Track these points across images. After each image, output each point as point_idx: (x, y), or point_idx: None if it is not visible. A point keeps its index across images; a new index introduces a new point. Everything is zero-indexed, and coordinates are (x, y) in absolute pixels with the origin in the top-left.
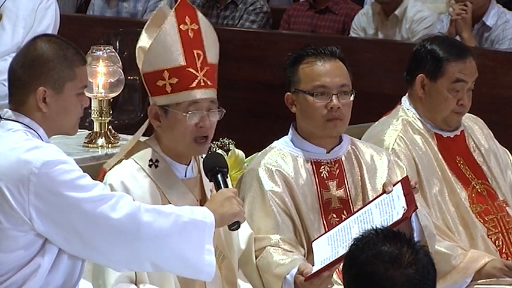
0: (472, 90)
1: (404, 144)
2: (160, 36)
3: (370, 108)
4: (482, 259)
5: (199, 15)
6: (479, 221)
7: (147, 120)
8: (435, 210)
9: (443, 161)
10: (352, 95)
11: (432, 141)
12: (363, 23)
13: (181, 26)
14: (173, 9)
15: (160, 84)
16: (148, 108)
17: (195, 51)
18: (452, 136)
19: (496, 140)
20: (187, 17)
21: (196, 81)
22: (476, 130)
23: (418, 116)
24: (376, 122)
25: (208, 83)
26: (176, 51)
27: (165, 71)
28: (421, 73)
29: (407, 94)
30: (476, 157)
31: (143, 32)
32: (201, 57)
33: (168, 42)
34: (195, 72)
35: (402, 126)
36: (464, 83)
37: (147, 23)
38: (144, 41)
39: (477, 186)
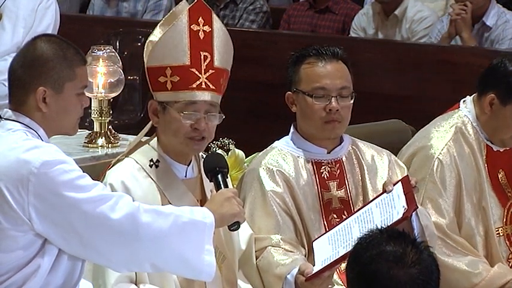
0: None
1: (451, 154)
2: (169, 32)
3: (369, 108)
4: (507, 276)
5: (215, 18)
6: (506, 243)
7: (151, 121)
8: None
9: (487, 176)
10: (352, 98)
11: (480, 153)
12: (363, 23)
13: (192, 26)
14: (187, 8)
15: (161, 80)
16: (149, 103)
17: (202, 53)
18: (501, 150)
19: None
20: (201, 18)
21: (198, 82)
22: None
23: (474, 124)
24: (431, 123)
25: (211, 86)
26: (182, 49)
27: (168, 68)
28: (493, 92)
29: (469, 98)
30: None
31: (157, 27)
32: (208, 59)
33: (176, 40)
34: (197, 73)
35: (453, 134)
36: None
37: (163, 19)
38: (157, 35)
39: None
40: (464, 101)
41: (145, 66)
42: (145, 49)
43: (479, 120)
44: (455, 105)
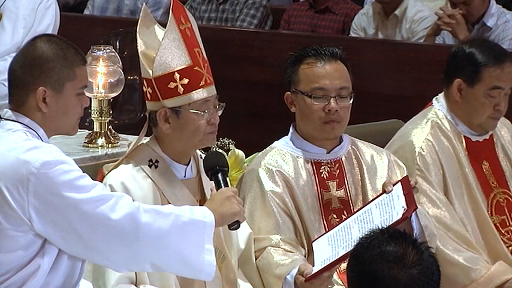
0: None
1: (432, 148)
2: (165, 39)
3: (369, 108)
4: (506, 275)
5: (188, 13)
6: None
7: (146, 122)
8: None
9: (470, 167)
10: (352, 98)
11: (460, 145)
12: (363, 23)
13: (180, 27)
14: (171, 11)
15: (172, 86)
16: (157, 113)
17: (195, 50)
18: (481, 140)
19: None
20: (182, 17)
21: (204, 79)
22: (505, 132)
23: (449, 117)
24: (408, 122)
25: (211, 79)
26: (182, 52)
27: (176, 73)
28: (458, 78)
29: (441, 94)
30: (502, 162)
31: (138, 36)
32: (201, 54)
33: (175, 44)
34: (200, 70)
35: (430, 129)
36: (501, 89)
37: (138, 27)
38: (143, 45)
39: (498, 196)
40: (436, 98)
41: (151, 78)
42: (141, 61)
43: (453, 112)
44: (429, 102)
